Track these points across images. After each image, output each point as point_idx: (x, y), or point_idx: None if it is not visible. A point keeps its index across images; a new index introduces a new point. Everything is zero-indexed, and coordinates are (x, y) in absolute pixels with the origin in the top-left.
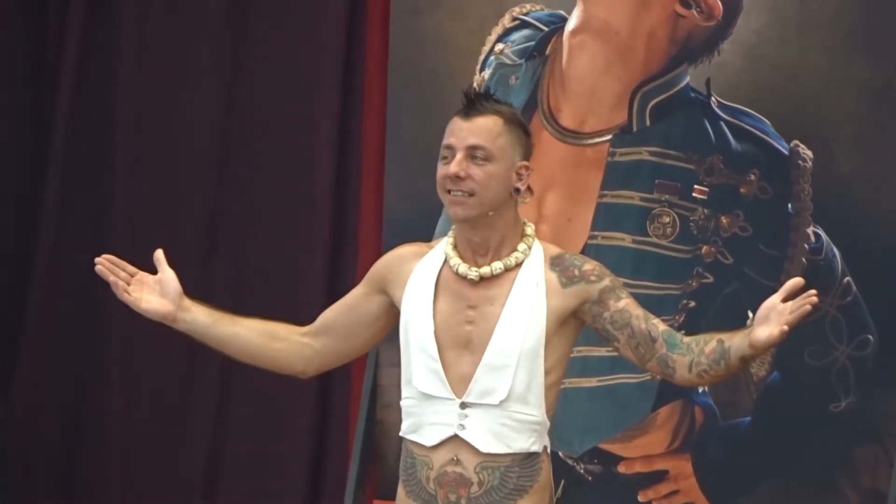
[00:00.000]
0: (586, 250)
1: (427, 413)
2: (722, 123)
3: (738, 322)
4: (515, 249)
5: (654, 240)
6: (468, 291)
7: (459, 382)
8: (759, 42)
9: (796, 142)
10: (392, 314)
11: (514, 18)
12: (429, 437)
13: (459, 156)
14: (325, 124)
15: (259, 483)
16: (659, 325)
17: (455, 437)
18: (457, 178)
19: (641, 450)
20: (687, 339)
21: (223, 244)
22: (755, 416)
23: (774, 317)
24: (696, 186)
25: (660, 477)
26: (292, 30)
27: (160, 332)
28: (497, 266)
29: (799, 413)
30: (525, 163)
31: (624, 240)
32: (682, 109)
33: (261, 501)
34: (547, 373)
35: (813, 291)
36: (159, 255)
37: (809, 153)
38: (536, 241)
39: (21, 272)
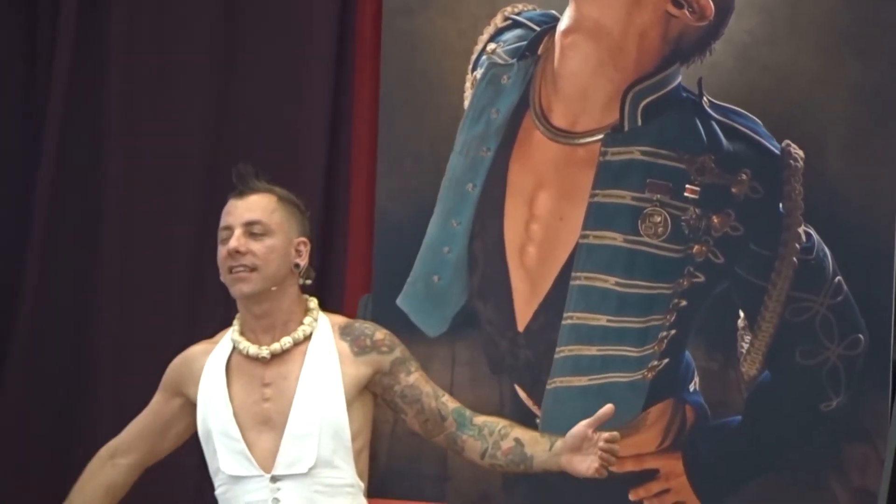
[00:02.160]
0: (577, 249)
1: (240, 494)
2: (713, 123)
3: (728, 322)
4: (301, 323)
5: (646, 239)
6: (261, 371)
7: (266, 458)
8: (751, 42)
9: (788, 142)
10: (192, 413)
11: (506, 18)
12: None
13: (238, 232)
14: (315, 124)
15: None
16: (449, 404)
17: None
18: (237, 253)
19: (632, 448)
20: (478, 420)
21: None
22: (746, 415)
23: (588, 448)
24: (687, 186)
25: (650, 476)
26: (283, 29)
27: (152, 335)
28: (286, 341)
29: (790, 412)
30: (303, 238)
31: (615, 239)
32: (674, 109)
33: None
34: (353, 438)
35: (616, 436)
36: None
37: (801, 153)
38: (321, 313)
39: (12, 274)
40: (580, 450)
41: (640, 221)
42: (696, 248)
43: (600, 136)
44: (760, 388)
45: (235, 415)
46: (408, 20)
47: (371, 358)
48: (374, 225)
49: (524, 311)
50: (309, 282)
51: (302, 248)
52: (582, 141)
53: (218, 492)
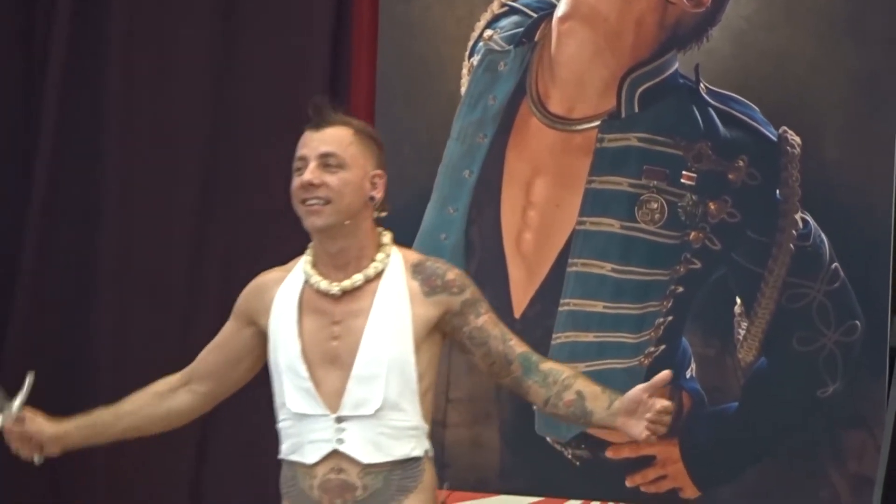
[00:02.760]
0: (574, 236)
1: (304, 432)
2: (710, 110)
3: (725, 308)
4: (374, 259)
5: (643, 225)
6: (331, 307)
7: (332, 398)
8: (747, 28)
9: (785, 128)
10: (263, 344)
11: (503, 5)
12: (309, 455)
13: (313, 164)
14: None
15: (244, 481)
16: (516, 348)
17: (335, 451)
18: (311, 185)
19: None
20: (544, 366)
21: (212, 238)
22: (743, 402)
23: (643, 412)
24: (684, 172)
25: (647, 462)
26: (281, 16)
27: (148, 334)
28: (357, 278)
29: (786, 399)
30: (378, 171)
31: (612, 225)
32: (671, 96)
33: (246, 500)
34: (420, 378)
35: (669, 406)
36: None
37: (798, 139)
38: (394, 248)
39: (8, 271)
40: (635, 413)
41: (636, 208)
42: (692, 234)
43: (597, 123)
44: (757, 374)
45: (304, 351)
46: (405, 7)
47: (441, 298)
48: None
49: (521, 297)
50: (384, 214)
51: (377, 180)
52: (579, 127)
53: (282, 425)
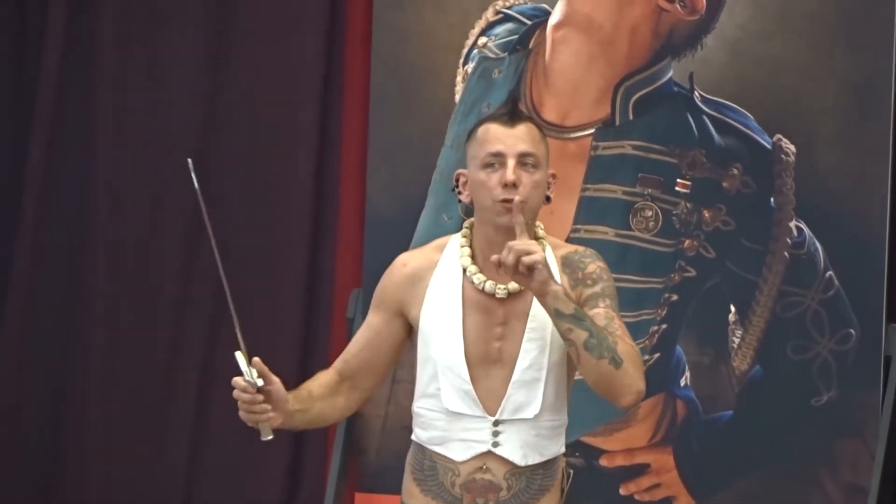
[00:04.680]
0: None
1: (455, 430)
2: (705, 118)
3: (720, 316)
4: None
5: (637, 233)
6: (496, 307)
7: (491, 400)
8: (742, 37)
9: (779, 136)
10: (409, 335)
11: (498, 12)
12: (458, 453)
13: (512, 163)
14: (305, 118)
15: (239, 476)
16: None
17: (487, 451)
18: (513, 186)
19: (623, 443)
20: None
21: (204, 241)
22: (737, 410)
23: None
24: (678, 180)
25: (641, 470)
26: (273, 23)
27: (140, 335)
28: None
29: (781, 407)
30: (553, 171)
31: (607, 233)
32: (665, 104)
33: (241, 494)
34: (569, 377)
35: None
36: (261, 364)
37: (792, 148)
38: (546, 242)
39: (0, 274)
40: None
41: (631, 216)
42: (687, 242)
43: (591, 131)
44: (751, 382)
45: (466, 352)
46: (398, 14)
47: (578, 291)
48: (365, 219)
49: None
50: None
51: (552, 180)
52: (573, 135)
53: (427, 414)
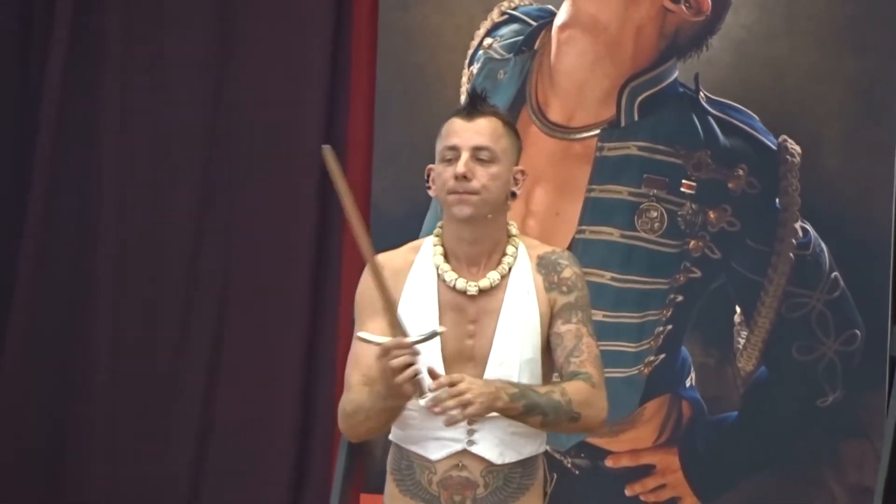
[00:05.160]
0: (574, 245)
1: (430, 428)
2: (710, 118)
3: (725, 317)
4: (505, 254)
5: (642, 234)
6: (467, 305)
7: None
8: (747, 37)
9: (784, 137)
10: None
11: (503, 13)
12: (434, 452)
13: (465, 156)
14: (311, 119)
15: (244, 476)
16: (576, 367)
17: (463, 450)
18: (464, 178)
19: (628, 444)
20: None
21: (209, 242)
22: (742, 411)
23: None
24: (683, 181)
25: (647, 471)
26: (279, 24)
27: (145, 336)
28: (494, 277)
29: (786, 408)
30: (521, 167)
31: (612, 234)
32: (671, 104)
33: (246, 495)
34: (545, 377)
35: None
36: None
37: (797, 148)
38: (520, 240)
39: (5, 274)
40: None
41: (636, 217)
42: (692, 243)
43: (597, 132)
44: (757, 383)
45: (442, 349)
46: (404, 15)
47: (553, 296)
48: (370, 219)
49: None
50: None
51: (520, 176)
52: (578, 136)
53: (404, 413)
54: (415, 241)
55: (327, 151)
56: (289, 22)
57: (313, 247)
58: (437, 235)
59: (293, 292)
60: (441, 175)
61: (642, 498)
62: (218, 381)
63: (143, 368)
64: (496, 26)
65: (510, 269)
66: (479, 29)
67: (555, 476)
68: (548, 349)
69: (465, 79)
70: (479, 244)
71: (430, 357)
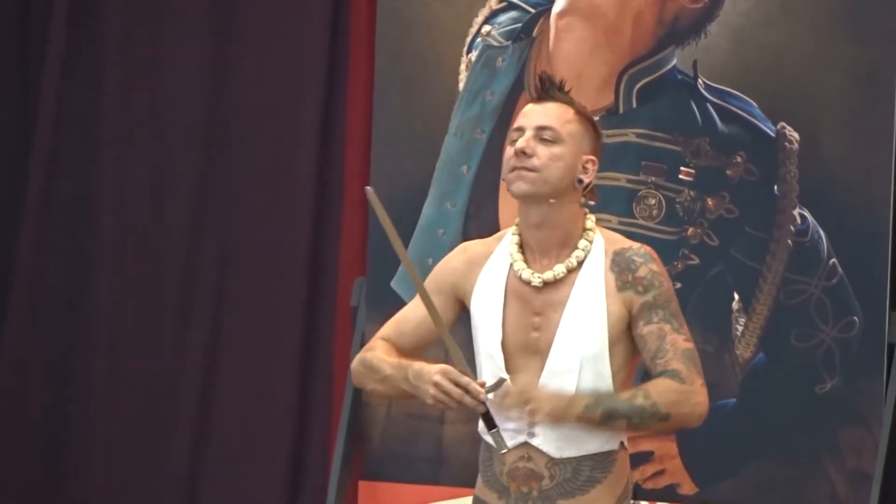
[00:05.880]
0: None
1: (498, 419)
2: (708, 105)
3: (723, 304)
4: (577, 247)
5: (641, 221)
6: (533, 296)
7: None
8: (745, 24)
9: (783, 124)
10: (460, 315)
11: (501, 0)
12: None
13: (529, 134)
14: (310, 106)
15: (242, 464)
16: (661, 366)
17: (526, 441)
18: (523, 154)
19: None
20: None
21: (208, 229)
22: (741, 398)
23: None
24: (682, 168)
25: (645, 458)
26: (278, 12)
27: (143, 332)
28: (560, 270)
29: (784, 395)
30: (592, 157)
31: (610, 221)
32: (669, 91)
33: (245, 482)
34: (615, 373)
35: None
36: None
37: (796, 135)
38: (598, 233)
39: (5, 268)
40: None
41: (634, 204)
42: (690, 230)
43: (595, 119)
44: (755, 370)
45: (504, 341)
46: (402, 2)
47: (627, 296)
48: (368, 207)
49: None
50: (592, 203)
51: (589, 165)
52: None
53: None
54: (503, 230)
55: (371, 194)
56: (287, 9)
57: (312, 234)
58: (517, 224)
59: (292, 280)
60: (506, 154)
61: (641, 485)
62: (216, 373)
63: (141, 366)
64: (494, 13)
65: (580, 263)
66: (477, 16)
67: (635, 482)
68: (618, 346)
69: (463, 66)
70: (546, 231)
71: (492, 348)
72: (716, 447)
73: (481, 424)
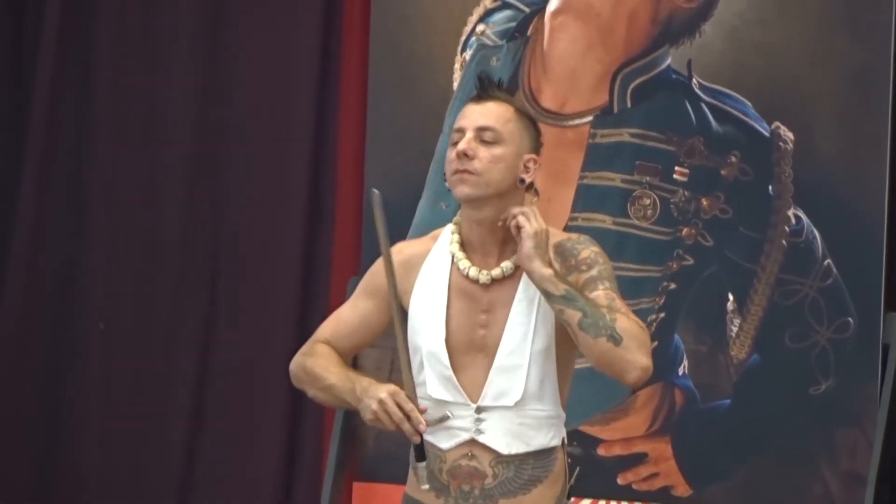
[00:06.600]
0: (567, 231)
1: (447, 410)
2: (703, 105)
3: (717, 304)
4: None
5: (635, 221)
6: (480, 294)
7: (474, 387)
8: (740, 24)
9: (777, 123)
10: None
11: None
12: (444, 441)
13: (469, 136)
14: (303, 104)
15: (236, 465)
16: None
17: (472, 439)
18: (465, 156)
19: (621, 432)
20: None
21: (201, 228)
22: (735, 399)
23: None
24: (676, 168)
25: (639, 459)
26: (271, 8)
27: (137, 333)
28: (507, 266)
29: (779, 396)
30: (533, 155)
31: (605, 221)
32: (664, 91)
33: (238, 483)
34: (560, 368)
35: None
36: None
37: (790, 135)
38: None
39: None
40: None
41: (629, 204)
42: (685, 230)
43: (589, 118)
44: (749, 371)
45: (448, 340)
46: (396, 1)
47: (574, 278)
48: (362, 206)
49: None
50: (536, 199)
51: (531, 164)
52: (571, 123)
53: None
54: (438, 230)
55: (376, 197)
56: (281, 6)
57: (305, 233)
58: (455, 223)
59: (285, 279)
60: (447, 157)
61: (635, 486)
62: (209, 374)
63: (135, 362)
64: (489, 12)
65: None
66: (471, 15)
67: (577, 469)
68: (564, 342)
69: (457, 65)
70: (489, 229)
71: (436, 346)
72: (710, 448)
73: (411, 454)
